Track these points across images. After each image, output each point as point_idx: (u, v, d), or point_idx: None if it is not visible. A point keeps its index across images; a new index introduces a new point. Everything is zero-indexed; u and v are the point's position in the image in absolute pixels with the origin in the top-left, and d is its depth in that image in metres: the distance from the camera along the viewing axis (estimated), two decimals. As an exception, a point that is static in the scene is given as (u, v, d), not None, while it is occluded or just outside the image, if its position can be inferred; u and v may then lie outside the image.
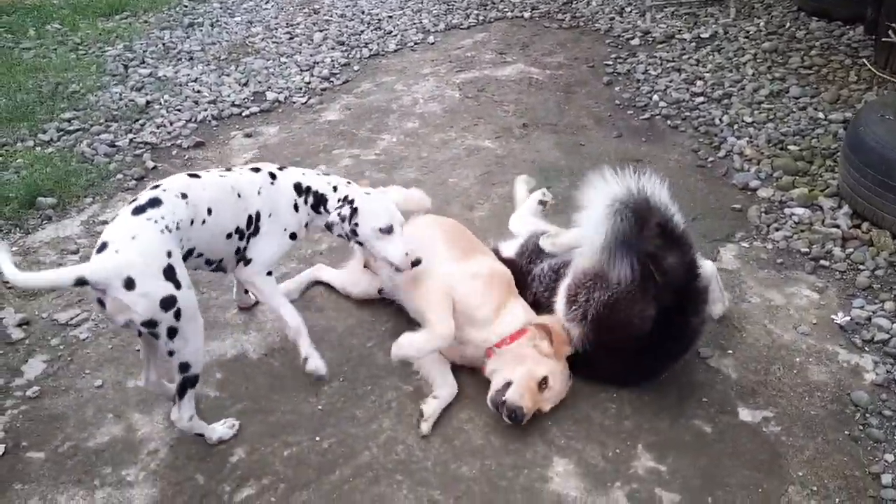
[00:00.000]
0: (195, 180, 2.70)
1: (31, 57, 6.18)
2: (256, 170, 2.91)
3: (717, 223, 3.96)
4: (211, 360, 3.15)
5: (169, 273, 2.38)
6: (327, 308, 3.45)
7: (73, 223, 4.10)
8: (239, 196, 2.78)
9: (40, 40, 6.57)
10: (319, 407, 2.91)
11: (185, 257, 2.60)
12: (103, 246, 2.34)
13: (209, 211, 2.66)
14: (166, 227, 2.45)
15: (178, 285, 2.40)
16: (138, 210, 2.45)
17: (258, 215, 2.83)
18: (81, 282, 2.26)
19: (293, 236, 2.95)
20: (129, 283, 2.29)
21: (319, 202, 2.92)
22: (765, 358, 3.10)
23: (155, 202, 2.48)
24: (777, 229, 3.88)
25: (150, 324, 2.37)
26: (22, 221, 4.08)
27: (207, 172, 2.82)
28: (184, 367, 2.52)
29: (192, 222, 2.59)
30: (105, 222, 4.08)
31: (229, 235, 2.76)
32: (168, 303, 2.36)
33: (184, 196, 2.58)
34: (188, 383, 2.55)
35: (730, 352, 3.13)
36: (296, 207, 2.92)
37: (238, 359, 3.18)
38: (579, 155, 4.69)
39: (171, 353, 2.48)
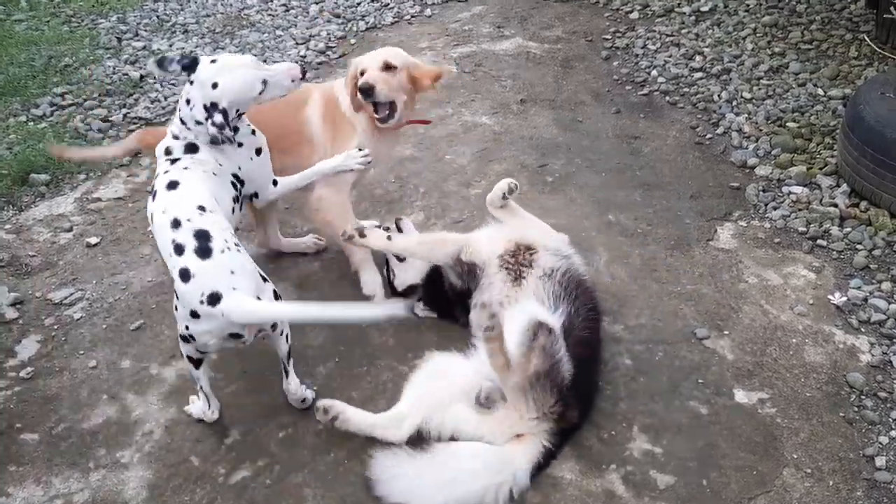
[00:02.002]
0: (183, 189, 2.63)
1: (24, 29, 6.09)
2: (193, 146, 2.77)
3: (714, 201, 3.93)
4: (206, 339, 3.15)
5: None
6: (323, 287, 3.43)
7: (67, 200, 4.07)
8: (215, 174, 2.77)
9: (32, 12, 6.47)
10: (315, 388, 2.90)
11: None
12: (217, 300, 2.37)
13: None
14: (236, 246, 2.52)
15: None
16: (204, 252, 2.42)
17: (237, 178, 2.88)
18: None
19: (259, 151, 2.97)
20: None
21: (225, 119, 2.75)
22: (761, 339, 3.10)
23: (204, 235, 2.45)
24: (775, 208, 3.85)
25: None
26: (15, 198, 4.05)
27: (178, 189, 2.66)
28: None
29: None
30: (99, 199, 4.05)
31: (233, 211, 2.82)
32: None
33: (202, 209, 2.56)
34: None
35: (726, 333, 3.12)
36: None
37: (233, 339, 3.17)
38: (577, 131, 4.64)
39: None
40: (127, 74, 5.37)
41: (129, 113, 4.92)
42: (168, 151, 2.77)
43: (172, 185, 2.62)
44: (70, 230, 3.84)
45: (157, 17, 6.43)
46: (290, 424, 2.76)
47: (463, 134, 4.66)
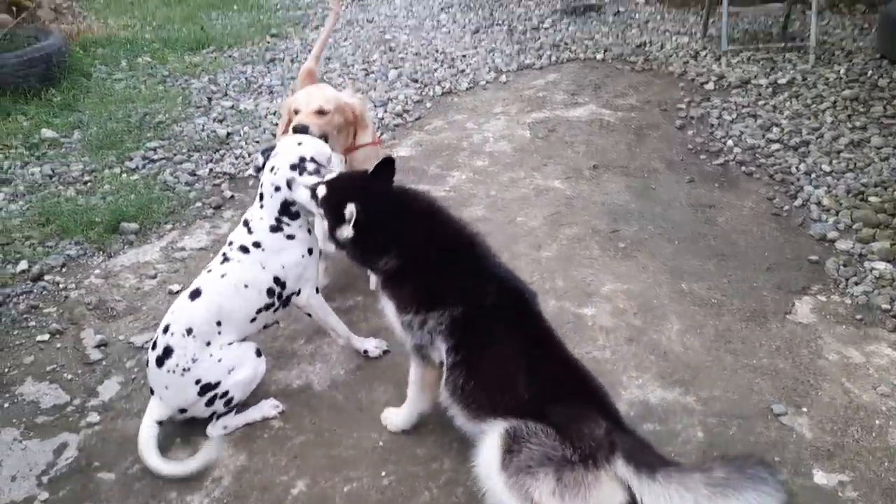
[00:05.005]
0: (196, 305, 2.91)
1: (123, 88, 6.51)
2: (244, 249, 3.03)
3: (792, 274, 3.84)
4: (277, 389, 3.22)
5: (204, 389, 2.87)
6: (391, 344, 3.46)
7: (153, 248, 4.26)
8: (247, 286, 2.99)
9: (131, 72, 6.92)
10: (381, 443, 2.92)
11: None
12: (152, 391, 2.91)
13: (219, 323, 2.92)
14: (184, 370, 2.83)
15: (214, 386, 2.88)
16: (160, 362, 2.84)
17: (277, 279, 3.05)
18: (160, 423, 2.88)
19: (311, 251, 3.14)
20: (183, 410, 2.90)
21: (289, 207, 3.03)
22: (842, 418, 2.97)
23: (168, 352, 2.84)
24: (856, 283, 3.73)
25: (213, 412, 2.94)
26: (105, 245, 4.26)
27: (209, 275, 3.01)
28: (233, 405, 2.98)
29: (208, 343, 2.90)
30: (183, 249, 4.23)
31: (253, 320, 3.04)
32: (211, 400, 2.90)
33: (189, 332, 2.85)
34: (230, 410, 2.99)
35: (804, 410, 3.01)
36: (291, 237, 3.06)
37: (303, 390, 3.22)
38: (650, 199, 4.63)
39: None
40: (214, 131, 5.65)
41: (214, 168, 5.15)
42: (230, 243, 3.07)
43: (196, 294, 2.94)
44: (154, 277, 4.01)
45: (246, 78, 6.79)
46: (357, 479, 2.77)
47: (535, 197, 4.71)
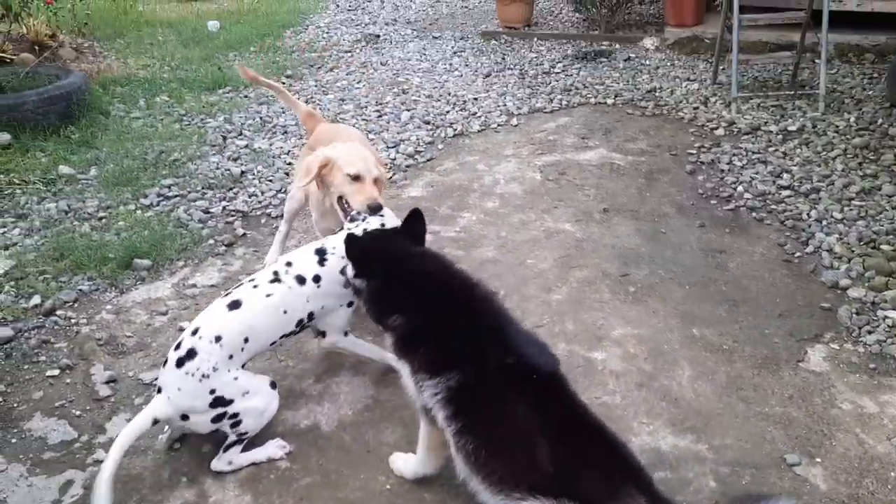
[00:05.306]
0: (233, 315, 2.94)
1: (140, 126, 6.60)
2: (302, 279, 3.09)
3: (804, 321, 3.82)
4: (284, 428, 3.20)
5: (216, 402, 2.84)
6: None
7: (165, 285, 4.29)
8: (285, 312, 3.05)
9: (149, 111, 7.03)
10: (388, 486, 2.89)
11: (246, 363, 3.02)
12: (159, 390, 2.87)
13: (246, 340, 2.94)
14: (203, 376, 2.81)
15: (226, 403, 2.86)
16: (180, 362, 2.83)
17: (311, 314, 3.14)
18: (156, 421, 2.82)
19: (351, 304, 3.24)
20: (185, 417, 2.85)
21: None
22: (856, 469, 2.93)
23: (192, 354, 2.83)
24: (869, 332, 3.71)
25: (215, 431, 2.89)
26: (118, 281, 4.29)
27: (255, 290, 3.04)
28: (241, 434, 2.94)
29: (230, 357, 2.89)
30: (194, 286, 4.25)
31: (273, 343, 3.10)
32: (219, 416, 2.86)
33: (218, 339, 2.87)
34: (239, 442, 2.96)
35: (818, 460, 2.97)
36: (347, 285, 3.08)
37: (311, 430, 3.20)
38: (660, 243, 4.64)
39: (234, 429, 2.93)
40: (229, 170, 5.72)
41: (227, 206, 5.20)
42: (289, 263, 3.14)
43: (235, 305, 2.97)
44: (165, 314, 4.02)
45: (261, 118, 6.89)
46: (363, 522, 2.74)
47: (545, 239, 4.72)
